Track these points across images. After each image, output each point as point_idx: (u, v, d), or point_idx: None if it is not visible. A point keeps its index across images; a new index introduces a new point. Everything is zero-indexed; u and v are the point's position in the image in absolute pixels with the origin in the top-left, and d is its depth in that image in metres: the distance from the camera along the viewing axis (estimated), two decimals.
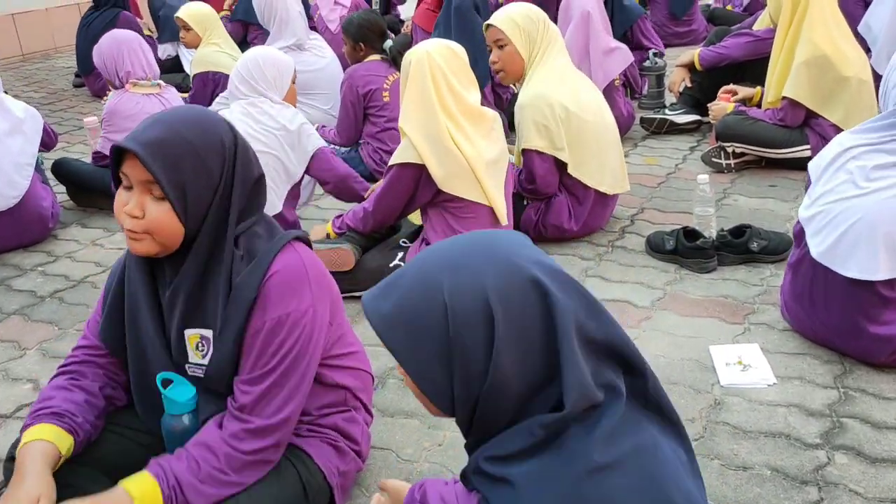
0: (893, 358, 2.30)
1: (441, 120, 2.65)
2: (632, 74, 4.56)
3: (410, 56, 2.72)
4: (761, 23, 4.42)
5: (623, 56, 4.39)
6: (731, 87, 4.24)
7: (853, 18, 4.27)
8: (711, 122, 4.17)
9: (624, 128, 4.48)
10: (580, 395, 1.09)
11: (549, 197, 3.21)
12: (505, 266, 1.12)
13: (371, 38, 4.12)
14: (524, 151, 3.15)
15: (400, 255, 2.92)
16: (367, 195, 3.06)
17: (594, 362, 1.13)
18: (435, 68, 2.66)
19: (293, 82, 3.14)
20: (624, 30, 5.21)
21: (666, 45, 5.81)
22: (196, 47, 5.07)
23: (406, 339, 1.13)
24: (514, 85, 3.59)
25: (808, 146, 3.84)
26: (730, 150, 3.96)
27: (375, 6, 7.13)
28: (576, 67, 4.28)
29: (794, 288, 2.48)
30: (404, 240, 3.02)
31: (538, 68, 3.15)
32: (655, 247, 3.12)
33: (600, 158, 3.19)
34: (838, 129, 3.72)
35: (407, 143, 2.71)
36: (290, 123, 3.02)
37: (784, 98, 3.79)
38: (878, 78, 4.98)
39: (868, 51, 4.30)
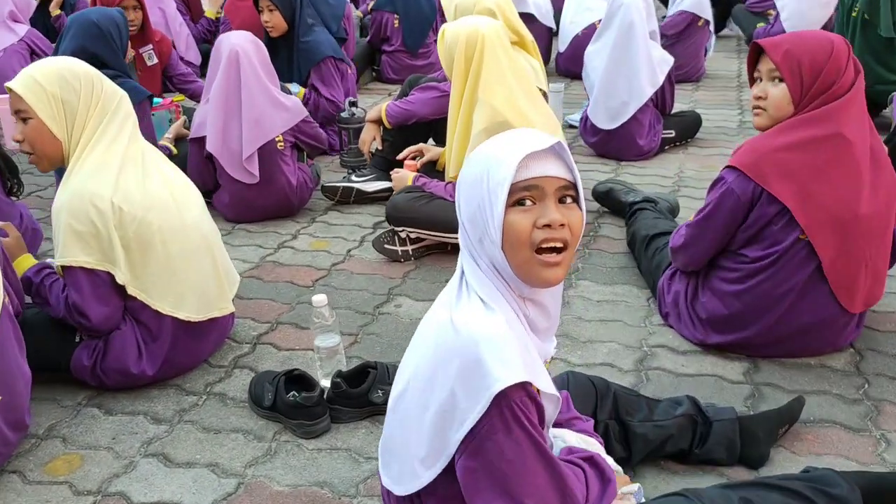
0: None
1: None
2: (306, 132, 3.70)
3: None
4: None
5: (290, 113, 3.56)
6: (419, 146, 3.52)
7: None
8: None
9: (295, 200, 3.66)
10: None
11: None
12: None
13: None
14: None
15: None
16: None
17: None
18: None
19: None
20: (305, 74, 4.42)
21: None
22: None
23: None
24: None
25: None
26: (403, 235, 3.21)
27: None
28: (222, 123, 3.48)
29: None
30: None
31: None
32: (256, 399, 2.26)
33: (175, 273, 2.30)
34: None
35: None
36: None
37: None
38: (594, 133, 4.59)
39: None
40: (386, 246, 3.22)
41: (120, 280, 2.18)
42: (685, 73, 5.95)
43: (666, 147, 4.51)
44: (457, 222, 2.94)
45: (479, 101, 3.04)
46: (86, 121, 2.19)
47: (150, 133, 3.61)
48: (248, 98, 3.43)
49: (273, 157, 3.51)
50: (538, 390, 1.36)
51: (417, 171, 3.41)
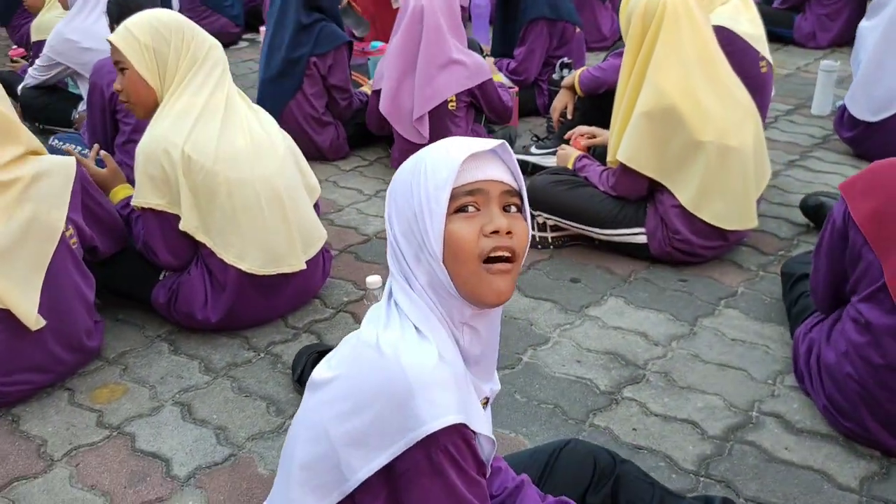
0: None
1: None
2: (488, 95, 3.49)
3: None
4: None
5: (469, 72, 3.37)
6: (590, 128, 3.14)
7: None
8: None
9: None
10: None
11: None
12: None
13: None
14: None
15: None
16: None
17: None
18: None
19: None
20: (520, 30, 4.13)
21: None
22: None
23: None
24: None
25: (643, 230, 2.73)
26: (540, 220, 2.90)
27: None
28: (396, 81, 3.41)
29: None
30: None
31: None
32: (293, 369, 2.20)
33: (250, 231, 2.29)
34: (686, 214, 2.63)
35: None
36: None
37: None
38: (852, 126, 3.72)
39: None
40: None
41: (183, 226, 2.22)
42: None
43: None
44: (603, 214, 2.71)
45: (647, 79, 2.61)
46: (176, 69, 2.23)
47: (344, 78, 3.65)
48: (426, 56, 3.30)
49: (443, 117, 3.37)
50: (474, 432, 1.16)
51: (588, 150, 3.06)
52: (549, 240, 2.92)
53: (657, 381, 2.18)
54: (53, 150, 3.60)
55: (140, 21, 2.22)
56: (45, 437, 2.02)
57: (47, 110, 4.09)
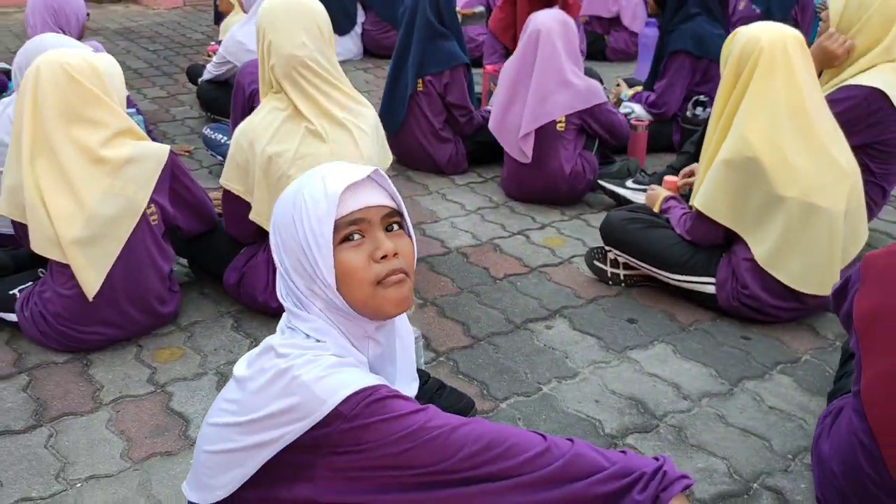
0: None
1: None
2: (599, 120, 3.47)
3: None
4: None
5: (580, 94, 3.38)
6: (692, 167, 3.05)
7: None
8: None
9: (564, 188, 3.49)
10: None
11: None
12: None
13: None
14: None
15: None
16: None
17: None
18: None
19: None
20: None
21: None
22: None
23: None
24: None
25: (713, 280, 2.63)
26: (611, 256, 2.87)
27: None
28: (507, 98, 3.49)
29: None
30: None
31: None
32: None
33: None
34: (758, 270, 2.53)
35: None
36: None
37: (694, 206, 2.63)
38: None
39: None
40: (595, 262, 2.92)
41: (252, 216, 2.45)
42: None
43: None
44: (674, 258, 2.64)
45: (734, 126, 2.52)
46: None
47: (461, 97, 3.78)
48: (539, 77, 3.36)
49: (550, 139, 3.40)
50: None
51: (679, 191, 2.99)
52: (621, 277, 2.88)
53: (667, 434, 2.11)
54: (205, 139, 4.04)
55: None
56: (103, 383, 2.32)
57: (217, 102, 4.57)
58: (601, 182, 3.53)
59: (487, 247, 3.20)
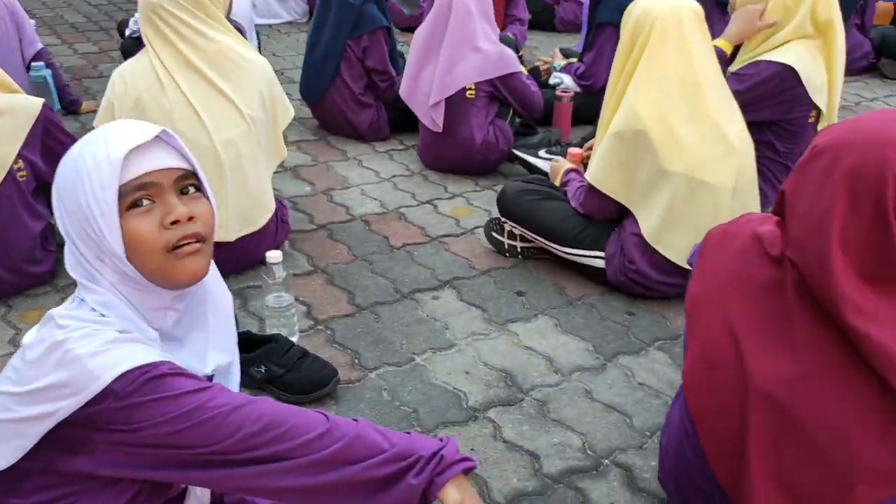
0: None
1: None
2: (511, 89, 3.40)
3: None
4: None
5: (491, 62, 3.30)
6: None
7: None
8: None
9: (477, 158, 3.43)
10: None
11: None
12: None
13: None
14: None
15: None
16: None
17: None
18: None
19: None
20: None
21: None
22: None
23: None
24: None
25: (602, 254, 2.60)
26: (508, 228, 2.83)
27: None
28: (417, 65, 3.42)
29: None
30: None
31: None
32: None
33: None
34: (645, 245, 2.50)
35: None
36: None
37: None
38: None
39: None
40: (493, 234, 2.88)
41: None
42: None
43: None
44: (565, 231, 2.60)
45: (625, 98, 2.48)
46: None
47: (381, 61, 3.69)
48: (450, 43, 3.29)
49: (460, 106, 3.33)
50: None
51: (582, 162, 2.94)
52: (518, 249, 2.84)
53: (530, 408, 2.09)
54: None
55: None
56: None
57: None
58: (515, 151, 3.48)
59: (392, 215, 3.15)
